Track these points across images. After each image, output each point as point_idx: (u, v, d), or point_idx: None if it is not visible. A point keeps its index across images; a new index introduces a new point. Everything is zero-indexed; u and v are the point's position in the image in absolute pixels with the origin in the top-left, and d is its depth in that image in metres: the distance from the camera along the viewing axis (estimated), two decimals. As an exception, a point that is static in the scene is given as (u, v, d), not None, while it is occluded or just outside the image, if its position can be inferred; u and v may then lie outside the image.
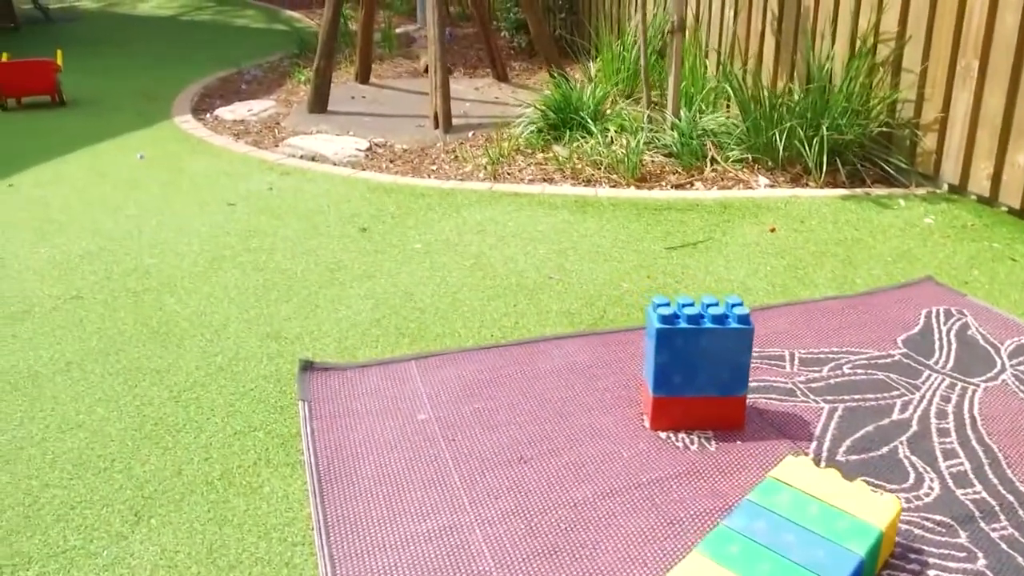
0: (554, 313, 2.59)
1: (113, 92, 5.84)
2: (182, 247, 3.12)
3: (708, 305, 1.94)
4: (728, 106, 4.64)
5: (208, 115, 5.29)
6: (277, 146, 4.59)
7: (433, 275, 2.87)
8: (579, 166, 4.11)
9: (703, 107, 4.45)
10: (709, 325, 1.89)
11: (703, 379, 1.93)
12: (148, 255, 3.05)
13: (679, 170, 4.07)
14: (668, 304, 1.93)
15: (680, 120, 4.24)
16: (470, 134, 4.76)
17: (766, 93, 4.15)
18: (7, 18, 8.18)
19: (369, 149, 4.53)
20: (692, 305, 1.93)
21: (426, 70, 6.53)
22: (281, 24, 8.93)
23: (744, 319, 1.90)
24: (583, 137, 4.38)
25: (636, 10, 5.80)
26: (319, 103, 5.07)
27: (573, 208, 3.53)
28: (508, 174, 4.15)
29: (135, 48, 7.61)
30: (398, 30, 8.33)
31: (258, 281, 2.83)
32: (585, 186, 3.93)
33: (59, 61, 5.56)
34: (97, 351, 2.37)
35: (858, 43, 3.96)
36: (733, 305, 1.93)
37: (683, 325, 1.88)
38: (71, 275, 2.87)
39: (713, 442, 1.92)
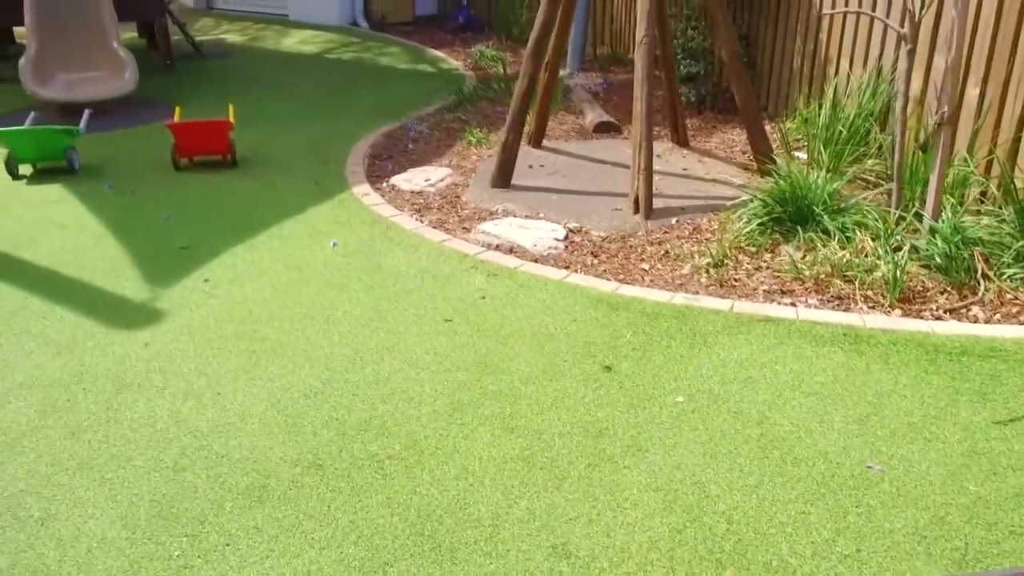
0: (900, 534, 2.04)
1: (280, 149, 5.56)
2: (413, 387, 2.71)
3: None
4: (981, 203, 3.95)
5: (384, 183, 4.95)
6: (469, 231, 4.19)
7: (717, 452, 2.36)
8: (820, 275, 3.53)
9: (953, 202, 3.78)
10: None
11: None
12: (379, 398, 2.65)
13: (947, 288, 3.43)
14: None
15: (939, 223, 3.60)
16: (673, 221, 4.23)
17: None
18: (164, 55, 8.17)
19: (566, 238, 4.07)
20: None
21: (595, 129, 6.07)
22: (426, 64, 8.63)
23: None
24: (817, 235, 3.79)
25: (847, 70, 5.15)
26: (503, 179, 4.64)
27: (844, 344, 2.95)
28: (735, 280, 3.61)
29: (288, 91, 7.41)
30: (548, 74, 7.90)
31: (514, 450, 2.37)
32: (837, 305, 3.35)
33: (231, 117, 5.34)
34: (358, 564, 1.97)
35: None
36: None
37: None
38: (301, 428, 2.49)
39: None
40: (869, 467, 2.28)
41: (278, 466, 2.32)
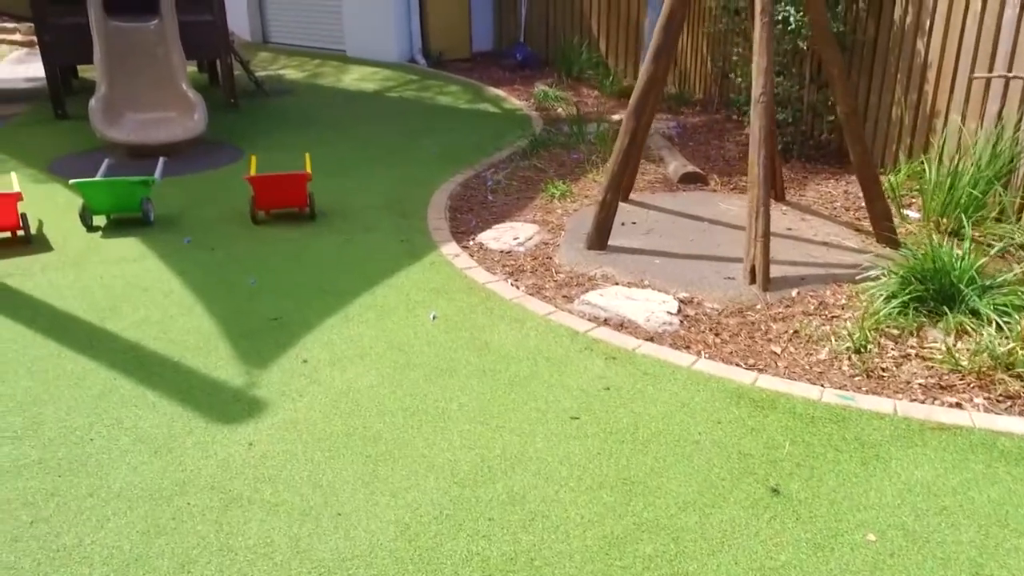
0: None
1: (356, 199, 5.25)
2: (554, 511, 2.33)
3: None
4: None
5: (471, 240, 4.62)
6: (570, 300, 3.83)
7: (936, 614, 1.98)
8: (982, 368, 3.13)
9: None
10: None
11: None
12: (519, 525, 2.28)
13: None
14: None
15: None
16: (794, 293, 3.86)
17: None
18: (229, 94, 7.98)
19: (679, 311, 3.71)
20: None
21: (681, 180, 5.69)
22: (488, 104, 8.35)
23: None
24: (967, 317, 3.36)
25: (959, 123, 4.74)
26: (600, 240, 4.30)
27: (1036, 463, 2.56)
28: (883, 371, 3.20)
29: (353, 132, 7.15)
30: (616, 116, 7.58)
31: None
32: (1010, 406, 2.92)
33: (308, 168, 5.07)
34: None
35: None
36: None
37: None
38: (439, 566, 2.13)
39: None
40: None
41: (421, 619, 1.98)
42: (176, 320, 3.53)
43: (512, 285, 3.99)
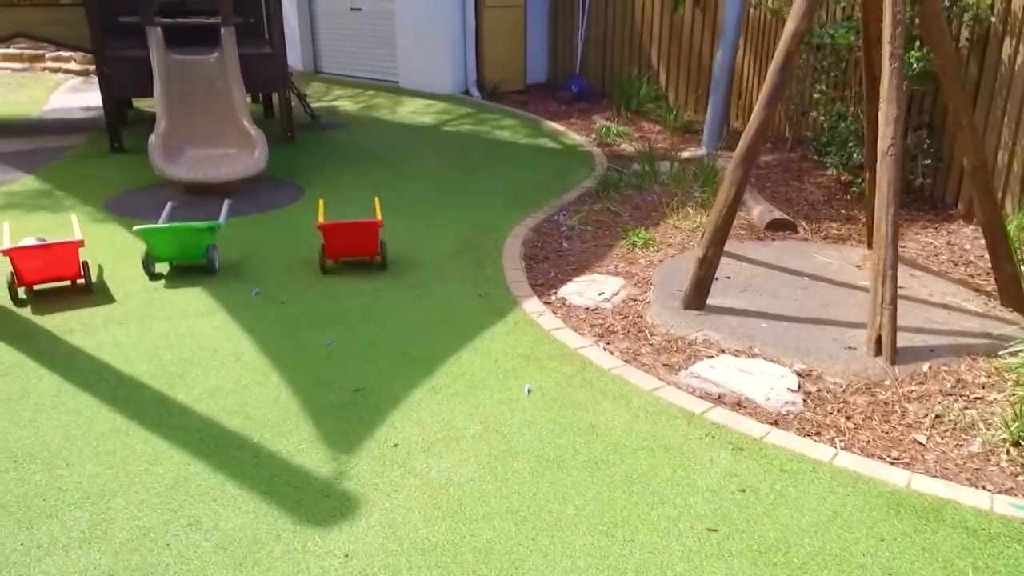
0: None
1: (426, 246, 4.91)
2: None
3: None
4: None
5: (553, 295, 4.24)
6: (672, 369, 3.45)
7: None
8: None
9: None
10: None
11: None
12: None
13: None
14: None
15: None
16: (925, 367, 3.44)
17: None
18: (286, 128, 7.77)
19: (800, 387, 3.32)
20: None
21: (768, 227, 5.25)
22: (547, 139, 8.03)
23: None
24: None
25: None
26: (698, 299, 3.92)
27: None
28: (1054, 471, 2.80)
29: (413, 169, 6.83)
30: (684, 154, 7.22)
31: None
32: None
33: (379, 214, 4.75)
34: None
35: None
36: None
37: None
38: None
39: None
40: None
41: None
42: (251, 390, 3.22)
43: (605, 350, 3.63)
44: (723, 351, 3.60)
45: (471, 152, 7.40)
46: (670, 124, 8.15)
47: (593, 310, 4.08)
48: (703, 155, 7.12)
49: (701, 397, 3.23)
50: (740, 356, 3.54)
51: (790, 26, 3.64)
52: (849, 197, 5.83)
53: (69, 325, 3.77)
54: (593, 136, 7.97)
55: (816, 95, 6.50)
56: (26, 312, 3.92)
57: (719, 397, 3.25)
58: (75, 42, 7.78)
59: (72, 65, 12.22)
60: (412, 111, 9.08)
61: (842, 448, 2.89)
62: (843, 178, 6.19)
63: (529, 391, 3.20)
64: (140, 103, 9.18)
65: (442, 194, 6.07)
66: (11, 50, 12.40)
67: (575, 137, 7.98)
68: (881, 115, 3.52)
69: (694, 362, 3.51)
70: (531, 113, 9.04)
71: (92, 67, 11.71)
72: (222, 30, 7.04)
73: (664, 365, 3.51)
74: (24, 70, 12.52)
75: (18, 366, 3.37)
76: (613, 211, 5.59)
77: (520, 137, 7.98)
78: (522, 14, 9.95)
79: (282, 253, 4.78)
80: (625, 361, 3.53)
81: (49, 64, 12.40)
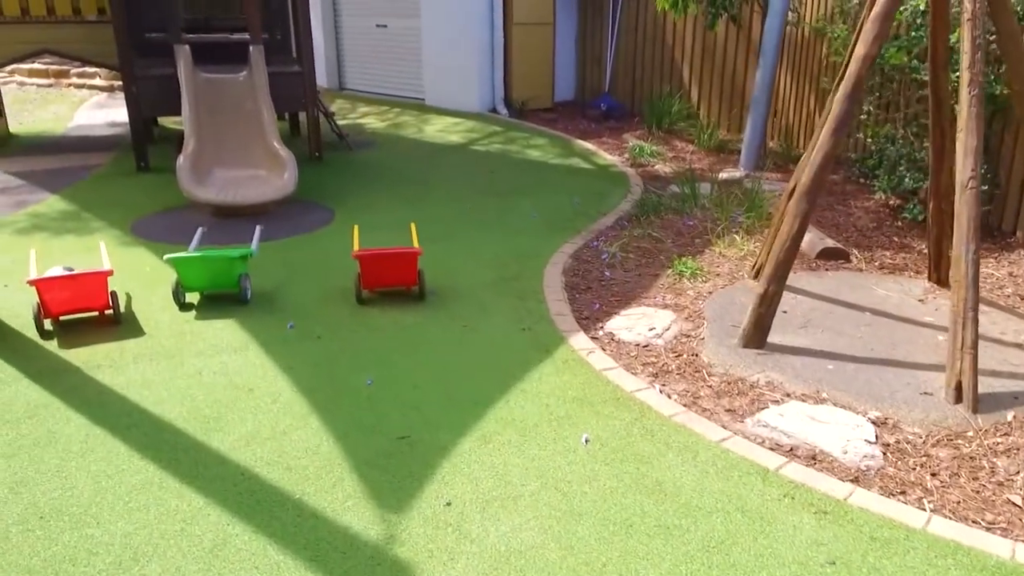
0: None
1: (463, 274, 4.70)
2: None
3: None
4: None
5: (600, 329, 4.01)
6: (735, 414, 3.21)
7: None
8: None
9: None
10: None
11: None
12: None
13: None
14: None
15: None
16: (1009, 416, 3.19)
17: None
18: (314, 148, 7.62)
19: (878, 439, 3.08)
20: None
21: (820, 256, 4.92)
22: (579, 159, 7.83)
23: None
24: None
25: None
26: (759, 338, 3.69)
27: None
28: None
29: (444, 189, 6.64)
30: (722, 175, 6.99)
31: None
32: None
33: (416, 241, 4.56)
34: None
35: None
36: None
37: None
38: None
39: None
40: None
41: None
42: (290, 436, 3.01)
43: (662, 392, 3.41)
44: (789, 395, 3.36)
45: (502, 173, 7.21)
46: (704, 143, 7.93)
47: (644, 347, 3.86)
48: (741, 176, 6.89)
49: (772, 449, 2.99)
50: (808, 401, 3.30)
51: (860, 51, 3.43)
52: (900, 223, 5.59)
53: (97, 361, 3.59)
54: (626, 156, 7.76)
55: (862, 115, 6.27)
56: (52, 345, 3.75)
57: (792, 449, 3.01)
58: (102, 59, 7.68)
59: (97, 81, 12.17)
60: (439, 129, 8.92)
61: (932, 511, 2.65)
62: (891, 202, 5.94)
63: (587, 441, 2.97)
64: (164, 119, 9.09)
65: (475, 217, 5.87)
66: (37, 65, 12.38)
67: (608, 157, 7.77)
68: (959, 145, 3.29)
69: (759, 407, 3.28)
70: (560, 132, 8.85)
71: (117, 83, 11.66)
72: (250, 48, 6.92)
73: (727, 411, 3.27)
74: (49, 86, 12.50)
75: (44, 407, 3.19)
76: (654, 237, 5.37)
77: (551, 157, 7.79)
78: (551, 31, 9.78)
79: (315, 281, 4.59)
80: (685, 406, 3.30)
81: (74, 80, 12.37)
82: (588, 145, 8.21)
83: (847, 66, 3.77)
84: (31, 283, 3.83)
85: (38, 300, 3.85)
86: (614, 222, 5.75)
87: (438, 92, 10.09)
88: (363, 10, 11.04)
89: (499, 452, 2.92)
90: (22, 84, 12.64)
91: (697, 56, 8.80)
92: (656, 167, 7.38)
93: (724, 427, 3.13)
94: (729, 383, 3.49)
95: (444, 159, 7.71)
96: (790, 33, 7.52)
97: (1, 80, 12.48)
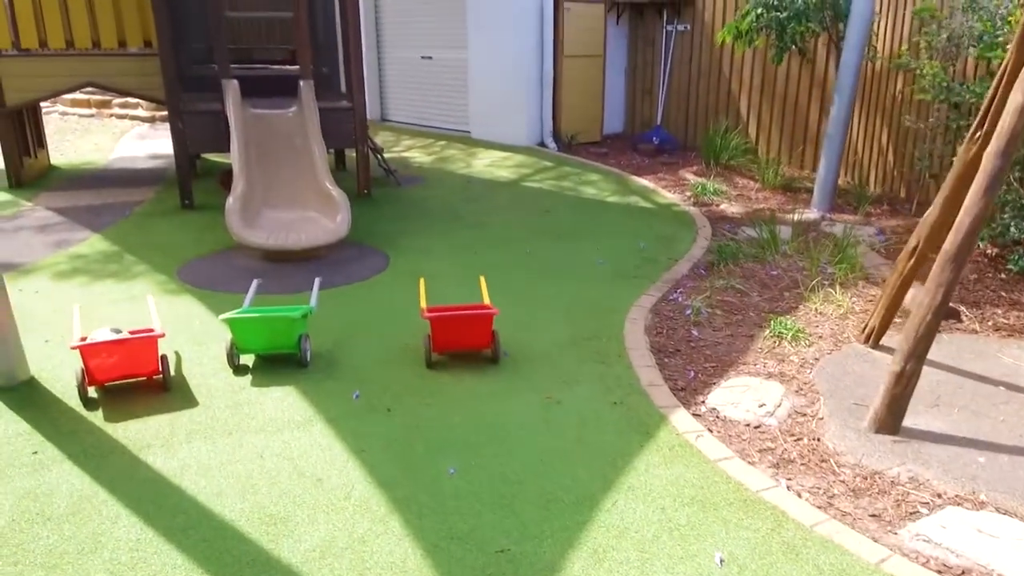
0: None
1: (537, 333, 4.24)
2: None
3: None
4: None
5: (702, 404, 3.54)
6: (882, 521, 2.65)
7: None
8: None
9: None
10: None
11: None
12: None
13: None
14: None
15: None
16: None
17: None
18: (363, 185, 7.26)
19: (1063, 558, 2.59)
20: None
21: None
22: (637, 196, 7.39)
23: None
24: None
25: None
26: (894, 422, 3.18)
27: None
28: None
29: (500, 232, 6.21)
30: (795, 217, 6.52)
31: None
32: None
33: (486, 297, 4.10)
34: None
35: None
36: None
37: None
38: None
39: None
40: None
41: None
42: (370, 544, 2.55)
43: (791, 489, 2.89)
44: (939, 496, 2.85)
45: (559, 212, 6.78)
46: (769, 181, 7.45)
47: (756, 427, 3.37)
48: (816, 217, 6.40)
49: (939, 572, 2.49)
50: (964, 505, 2.80)
51: (1018, 99, 2.97)
52: (1004, 276, 5.07)
53: (147, 439, 3.17)
54: (688, 194, 7.30)
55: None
56: (97, 417, 3.34)
57: (963, 573, 2.50)
58: (147, 92, 7.41)
59: (139, 111, 11.99)
60: (488, 164, 8.53)
61: None
62: (988, 251, 5.43)
63: (721, 562, 2.48)
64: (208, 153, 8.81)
65: (537, 264, 5.43)
66: (78, 95, 12.22)
67: (668, 195, 7.32)
68: None
69: (908, 512, 2.76)
70: (613, 167, 8.42)
71: (159, 113, 11.46)
72: (300, 83, 6.59)
73: (871, 516, 2.78)
74: (91, 116, 12.34)
75: (90, 499, 2.78)
76: (738, 289, 4.88)
77: (608, 195, 7.35)
78: (601, 63, 9.40)
79: (377, 339, 4.16)
80: (818, 507, 2.83)
81: (116, 110, 12.20)
82: (644, 182, 7.77)
83: (988, 116, 3.31)
84: (75, 348, 3.45)
85: (82, 366, 3.48)
86: (689, 270, 5.28)
87: (485, 125, 9.74)
88: (408, 42, 10.76)
89: (606, 552, 2.46)
90: (64, 114, 12.49)
91: (756, 89, 8.36)
92: (722, 207, 6.91)
93: (876, 540, 2.64)
94: (865, 478, 2.99)
95: (496, 197, 7.30)
96: (862, 67, 7.08)
97: (43, 110, 12.37)
